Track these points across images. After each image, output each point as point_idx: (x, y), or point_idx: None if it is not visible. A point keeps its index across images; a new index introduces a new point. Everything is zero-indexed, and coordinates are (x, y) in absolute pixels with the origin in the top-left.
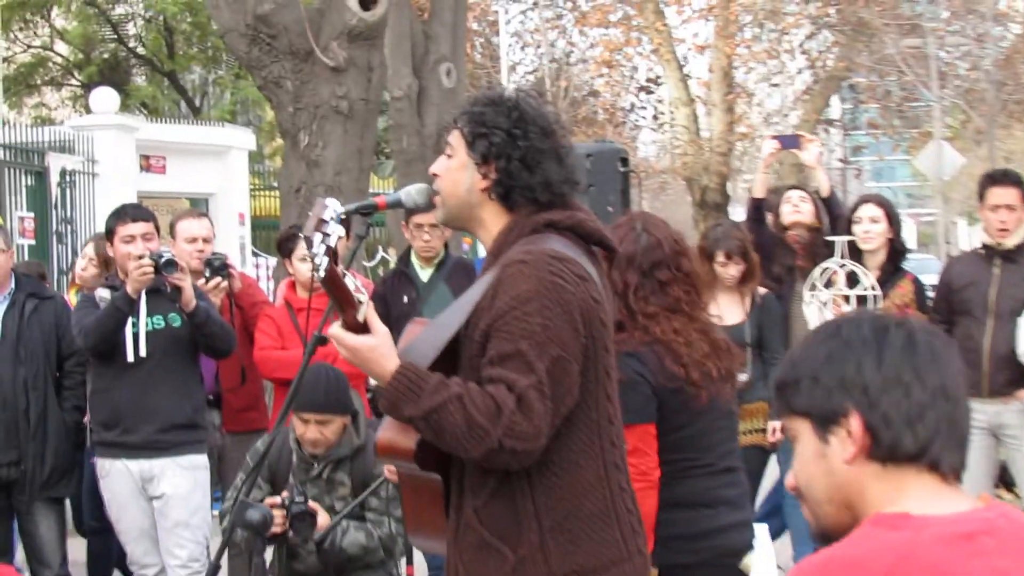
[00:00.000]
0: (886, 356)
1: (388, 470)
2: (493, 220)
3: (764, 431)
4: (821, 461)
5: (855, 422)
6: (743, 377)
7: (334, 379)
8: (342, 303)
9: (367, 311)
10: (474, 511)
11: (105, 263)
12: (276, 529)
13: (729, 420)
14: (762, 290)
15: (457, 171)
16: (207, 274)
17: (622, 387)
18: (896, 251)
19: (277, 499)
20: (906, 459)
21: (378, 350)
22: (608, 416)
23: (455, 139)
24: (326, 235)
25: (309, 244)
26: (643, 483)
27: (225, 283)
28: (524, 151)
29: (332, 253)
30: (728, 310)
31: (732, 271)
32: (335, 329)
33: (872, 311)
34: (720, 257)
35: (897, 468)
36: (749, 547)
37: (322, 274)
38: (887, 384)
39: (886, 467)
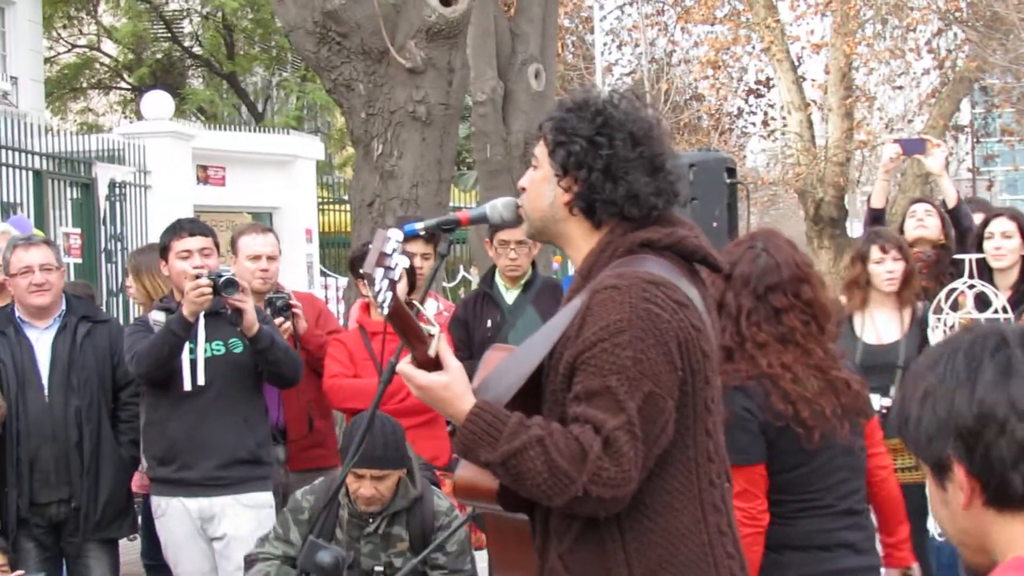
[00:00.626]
0: (978, 391)
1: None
2: (580, 237)
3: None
4: (944, 507)
5: (958, 470)
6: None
7: (391, 430)
8: (411, 339)
9: (439, 345)
10: (559, 557)
11: (144, 286)
12: None
13: (851, 458)
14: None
15: (540, 183)
16: (269, 313)
17: (728, 425)
18: None
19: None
20: (1019, 504)
21: (451, 388)
22: (707, 454)
23: (539, 149)
24: (388, 268)
25: (371, 281)
26: (751, 528)
27: (288, 324)
28: (607, 160)
29: (393, 285)
30: (884, 326)
31: (891, 268)
32: (404, 366)
33: (975, 333)
34: (876, 253)
35: (1015, 514)
36: None
37: (386, 311)
38: (981, 423)
39: (1003, 513)
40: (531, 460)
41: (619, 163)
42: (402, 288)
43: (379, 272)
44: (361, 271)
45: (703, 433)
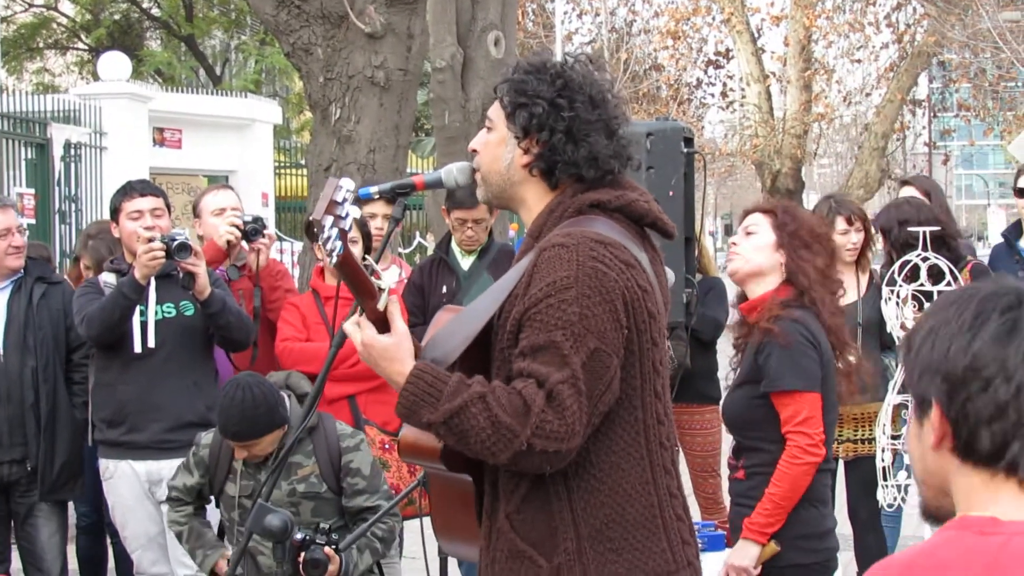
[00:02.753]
0: (976, 344)
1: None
2: (536, 199)
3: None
4: (917, 442)
5: (935, 411)
6: None
7: (250, 402)
8: (362, 292)
9: (388, 306)
10: (507, 517)
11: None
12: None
13: (835, 415)
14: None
15: (497, 146)
16: (242, 238)
17: (791, 351)
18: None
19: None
20: (982, 460)
21: (393, 351)
22: (657, 415)
23: (495, 111)
24: (339, 217)
25: (320, 228)
26: (812, 456)
27: (261, 247)
28: (568, 122)
29: (344, 235)
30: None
31: (854, 239)
32: (349, 325)
33: (996, 286)
34: (841, 224)
35: (975, 468)
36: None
37: (335, 260)
38: (968, 375)
39: (965, 464)
40: (473, 417)
41: (581, 125)
42: (357, 250)
43: (328, 220)
44: (310, 218)
45: (651, 394)
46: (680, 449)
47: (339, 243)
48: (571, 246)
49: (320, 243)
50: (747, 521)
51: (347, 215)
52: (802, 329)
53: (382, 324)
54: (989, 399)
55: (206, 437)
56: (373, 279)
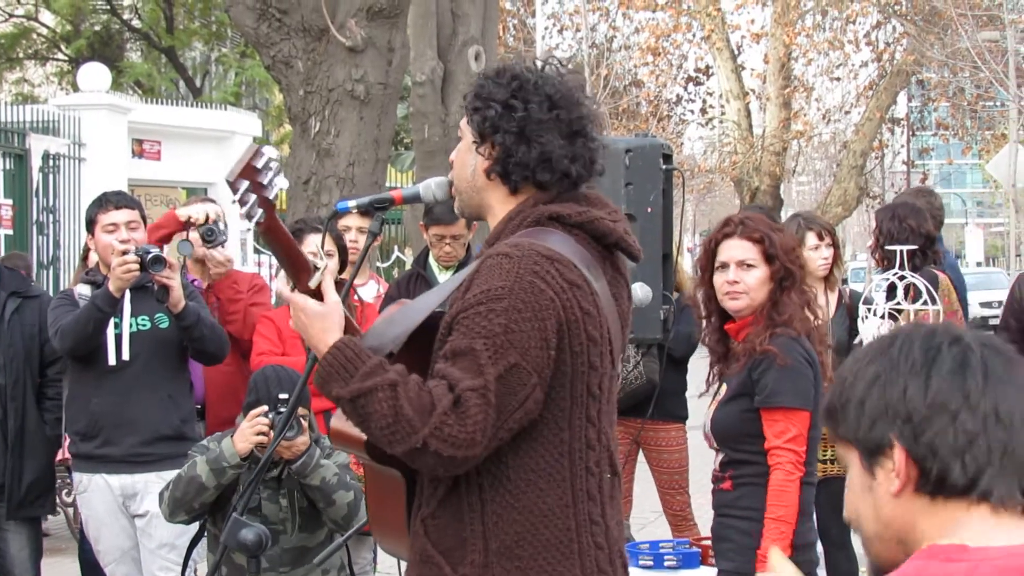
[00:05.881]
0: (933, 381)
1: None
2: (500, 205)
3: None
4: (868, 495)
5: (899, 454)
6: None
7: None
8: (293, 266)
9: (321, 278)
10: (422, 520)
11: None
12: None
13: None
14: (857, 287)
15: (464, 154)
16: (201, 239)
17: (789, 370)
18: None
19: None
20: (956, 493)
21: (323, 319)
22: (587, 440)
23: (463, 121)
24: (260, 185)
25: (233, 191)
26: (799, 473)
27: (217, 252)
28: (520, 123)
29: (269, 205)
30: None
31: (825, 254)
32: (283, 287)
33: (930, 327)
34: (812, 239)
35: (947, 502)
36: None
37: (255, 223)
38: (932, 411)
39: (935, 501)
40: (379, 402)
41: (533, 125)
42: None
43: (243, 184)
44: (226, 178)
45: (582, 418)
46: (649, 467)
47: (259, 210)
48: (515, 257)
49: (237, 206)
50: (762, 554)
51: (271, 184)
52: (800, 348)
53: (315, 298)
54: (959, 431)
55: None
56: (311, 258)
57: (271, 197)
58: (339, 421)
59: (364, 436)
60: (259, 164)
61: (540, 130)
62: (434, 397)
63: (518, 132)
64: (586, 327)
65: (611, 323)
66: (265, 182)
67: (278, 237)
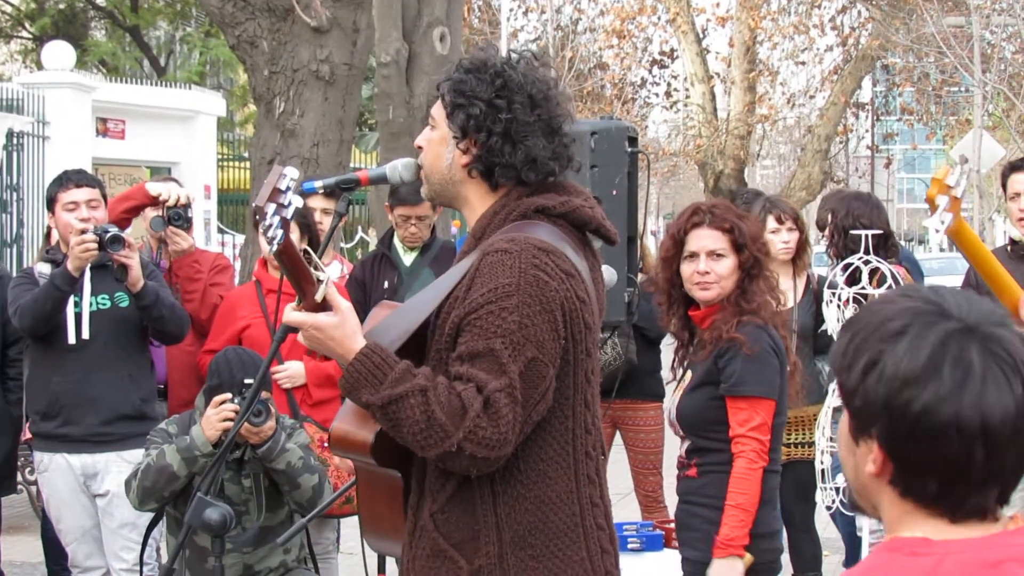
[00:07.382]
0: (926, 394)
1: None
2: (478, 199)
3: (812, 444)
4: (851, 456)
5: (876, 451)
6: None
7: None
8: (301, 282)
9: (327, 290)
10: (431, 516)
11: None
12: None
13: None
14: (821, 271)
15: (438, 144)
16: (167, 221)
17: (756, 358)
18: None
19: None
20: (925, 502)
21: (342, 327)
22: (585, 425)
23: (437, 109)
24: (281, 205)
25: (262, 215)
26: (764, 462)
27: (182, 238)
28: (506, 124)
29: (286, 224)
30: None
31: (786, 238)
32: (292, 313)
33: (952, 322)
34: (772, 223)
35: (916, 504)
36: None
37: (275, 247)
38: (919, 425)
39: (905, 499)
40: (411, 408)
41: (518, 127)
42: (297, 239)
43: (271, 207)
44: (253, 204)
45: (582, 404)
46: (625, 446)
47: (280, 231)
48: (514, 252)
49: (261, 230)
50: (720, 540)
51: (290, 204)
52: (767, 337)
53: (322, 310)
54: (938, 446)
55: (170, 426)
56: (314, 271)
57: (289, 216)
58: (342, 425)
59: (369, 441)
60: (282, 186)
61: (525, 131)
62: (464, 401)
63: (503, 133)
64: (583, 315)
65: (597, 309)
66: (286, 203)
67: (291, 255)
